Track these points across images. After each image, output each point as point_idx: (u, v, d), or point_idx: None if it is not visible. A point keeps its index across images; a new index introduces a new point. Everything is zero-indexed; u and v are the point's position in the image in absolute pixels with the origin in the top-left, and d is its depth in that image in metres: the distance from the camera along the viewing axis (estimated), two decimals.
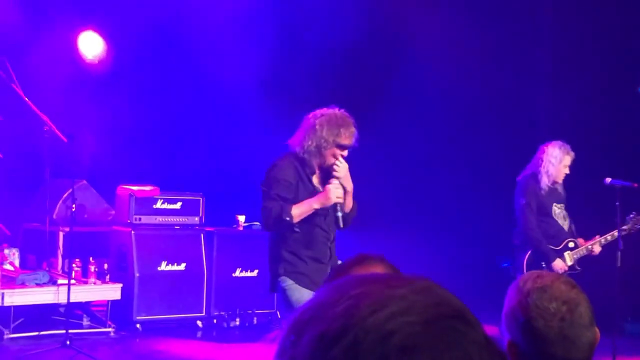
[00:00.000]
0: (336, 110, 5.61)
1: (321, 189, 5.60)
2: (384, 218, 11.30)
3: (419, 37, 11.10)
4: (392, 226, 11.25)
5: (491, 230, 10.18)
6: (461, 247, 11.26)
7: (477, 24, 11.04)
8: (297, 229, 5.55)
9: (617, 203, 7.50)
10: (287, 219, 5.43)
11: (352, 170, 5.64)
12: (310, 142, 5.52)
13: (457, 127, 11.46)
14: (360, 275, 1.07)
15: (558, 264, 7.65)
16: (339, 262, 5.73)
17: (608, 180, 7.67)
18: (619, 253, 7.51)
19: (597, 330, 2.40)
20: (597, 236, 7.82)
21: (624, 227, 7.72)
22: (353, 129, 5.56)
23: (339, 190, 5.53)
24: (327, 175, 5.62)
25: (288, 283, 5.55)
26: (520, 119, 11.20)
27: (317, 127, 5.52)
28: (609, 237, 7.75)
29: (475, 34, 11.03)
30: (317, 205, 5.50)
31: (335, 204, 5.56)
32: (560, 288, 2.37)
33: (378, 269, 2.44)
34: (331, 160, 5.54)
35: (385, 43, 11.53)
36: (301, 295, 5.46)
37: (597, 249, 7.74)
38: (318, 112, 5.62)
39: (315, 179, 5.63)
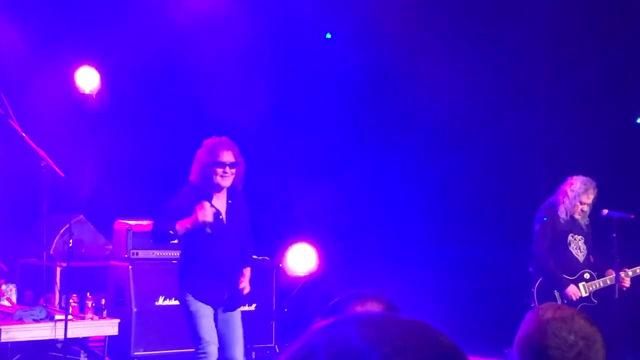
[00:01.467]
0: (213, 138, 6.72)
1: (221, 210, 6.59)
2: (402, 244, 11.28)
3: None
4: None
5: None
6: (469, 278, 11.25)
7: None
8: (193, 248, 6.59)
9: (614, 234, 7.49)
10: (171, 232, 6.45)
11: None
12: (197, 170, 6.60)
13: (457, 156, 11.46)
14: (353, 314, 1.06)
15: (572, 290, 7.61)
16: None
17: (605, 211, 7.67)
18: (617, 286, 7.49)
19: None
20: (610, 270, 7.78)
21: None
22: (228, 149, 6.58)
23: (208, 210, 6.36)
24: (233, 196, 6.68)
25: (187, 298, 6.57)
26: (519, 152, 11.20)
27: (198, 155, 6.66)
28: (638, 270, 7.72)
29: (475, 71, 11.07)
30: (189, 225, 6.37)
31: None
32: (580, 322, 2.36)
33: (374, 306, 2.43)
34: (217, 179, 6.54)
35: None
36: (196, 307, 6.51)
37: (627, 282, 7.69)
38: None
39: (216, 201, 6.58)
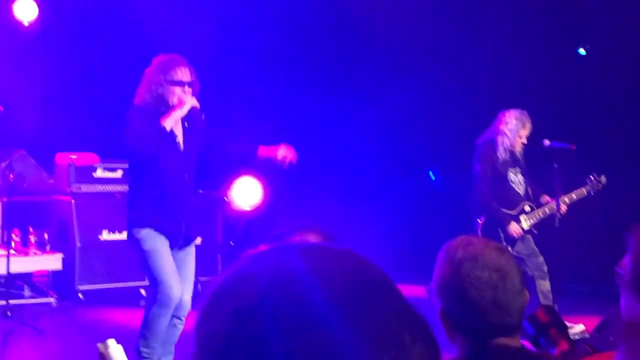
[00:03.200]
0: (165, 55, 5.92)
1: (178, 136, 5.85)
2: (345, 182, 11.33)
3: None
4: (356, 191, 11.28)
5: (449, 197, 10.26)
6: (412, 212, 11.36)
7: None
8: (149, 178, 5.75)
9: (555, 165, 7.58)
10: (156, 130, 5.63)
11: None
12: (148, 92, 5.78)
13: (406, 98, 11.47)
14: (279, 245, 1.06)
15: (513, 228, 7.73)
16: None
17: (547, 142, 7.74)
18: (558, 215, 7.61)
19: (527, 292, 2.43)
20: (545, 196, 7.92)
21: (583, 190, 7.87)
22: (184, 67, 5.82)
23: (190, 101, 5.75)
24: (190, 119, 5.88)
25: (140, 234, 5.73)
26: (465, 83, 11.24)
27: (148, 75, 5.84)
28: (574, 195, 7.85)
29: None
30: (177, 114, 5.70)
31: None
32: (491, 255, 2.37)
33: (312, 237, 2.45)
34: (174, 99, 5.76)
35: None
36: (154, 243, 5.70)
37: (564, 209, 7.81)
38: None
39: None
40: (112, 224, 9.32)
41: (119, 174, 9.57)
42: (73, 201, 9.16)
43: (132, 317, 8.56)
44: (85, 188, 9.34)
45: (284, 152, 6.11)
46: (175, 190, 5.83)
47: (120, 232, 9.35)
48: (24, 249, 8.85)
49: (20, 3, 9.69)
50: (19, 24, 9.66)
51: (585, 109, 10.64)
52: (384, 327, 0.96)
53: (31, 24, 9.65)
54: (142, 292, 9.47)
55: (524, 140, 7.77)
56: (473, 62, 11.22)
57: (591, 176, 7.95)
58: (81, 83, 10.35)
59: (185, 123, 5.90)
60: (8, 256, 7.96)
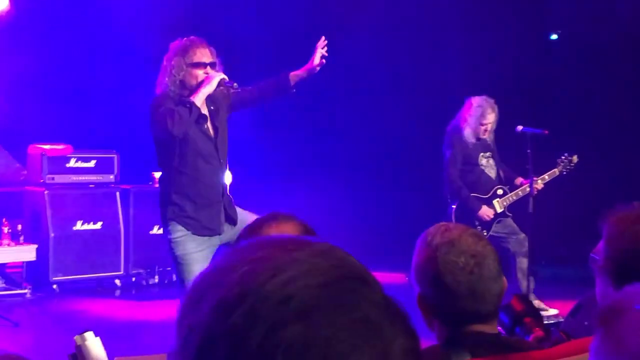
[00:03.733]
0: (182, 39, 5.63)
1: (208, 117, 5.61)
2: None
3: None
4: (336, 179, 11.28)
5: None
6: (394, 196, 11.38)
7: None
8: (183, 169, 5.51)
9: (528, 150, 7.63)
10: (188, 105, 5.39)
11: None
12: (169, 78, 5.51)
13: (380, 86, 11.48)
14: (259, 238, 1.07)
15: (484, 211, 7.80)
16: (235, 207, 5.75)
17: (520, 128, 7.78)
18: (531, 199, 7.66)
19: (504, 280, 2.44)
20: (519, 178, 7.98)
21: (555, 170, 7.94)
22: (204, 48, 5.57)
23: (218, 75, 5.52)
24: (213, 102, 5.64)
25: (175, 235, 5.48)
26: (434, 72, 11.26)
27: (166, 62, 5.56)
28: (546, 176, 7.91)
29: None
30: (206, 90, 5.45)
31: (227, 88, 5.57)
32: (467, 241, 2.39)
33: (289, 227, 2.45)
34: (196, 81, 5.52)
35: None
36: (185, 250, 5.43)
37: (538, 186, 7.86)
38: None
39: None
40: (86, 214, 9.28)
41: (92, 163, 9.54)
42: (46, 192, 9.11)
43: (107, 308, 8.55)
44: (59, 179, 9.30)
45: (319, 52, 5.84)
46: (210, 177, 5.60)
47: (95, 222, 9.33)
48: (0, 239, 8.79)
49: None
50: None
51: (559, 94, 10.70)
52: (365, 322, 0.97)
53: (1, 13, 9.56)
54: (117, 282, 9.45)
55: (489, 127, 7.82)
56: (445, 48, 11.25)
57: (562, 156, 8.03)
58: (53, 73, 10.27)
59: (211, 107, 5.65)
60: None
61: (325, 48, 5.85)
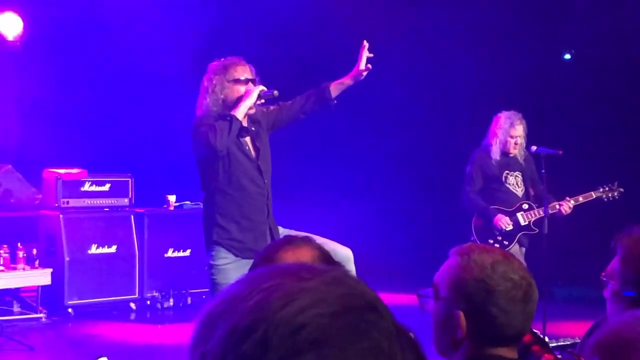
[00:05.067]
0: (220, 59, 5.63)
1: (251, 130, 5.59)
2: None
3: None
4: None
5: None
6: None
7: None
8: (227, 190, 5.48)
9: (542, 170, 7.60)
10: (228, 119, 5.35)
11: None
12: (210, 98, 5.49)
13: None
14: (271, 267, 1.06)
15: (499, 220, 7.72)
16: (277, 227, 5.67)
17: (534, 148, 7.77)
18: (546, 220, 7.62)
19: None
20: (554, 202, 7.92)
21: (592, 193, 7.90)
22: (244, 65, 5.58)
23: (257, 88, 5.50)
24: (254, 123, 5.62)
25: (218, 262, 5.44)
26: (448, 91, 11.27)
27: (207, 82, 5.53)
28: (580, 198, 7.87)
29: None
30: (246, 103, 5.42)
31: (267, 99, 5.55)
32: (515, 264, 2.38)
33: (304, 251, 2.45)
34: (238, 95, 5.50)
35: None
36: (225, 280, 5.33)
37: (566, 209, 7.81)
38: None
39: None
40: (101, 237, 9.31)
41: (107, 187, 9.56)
42: (61, 216, 9.14)
43: (122, 331, 8.55)
44: (74, 202, 9.33)
45: (364, 57, 5.76)
46: (255, 198, 5.55)
47: (109, 246, 9.35)
48: (12, 264, 8.81)
49: (4, 17, 9.68)
50: (3, 38, 9.65)
51: (573, 113, 10.68)
52: (377, 351, 0.97)
53: (16, 38, 9.63)
54: (132, 305, 9.45)
55: (518, 140, 7.79)
56: (460, 67, 11.25)
57: (607, 186, 7.99)
58: (68, 97, 10.33)
59: (252, 127, 5.61)
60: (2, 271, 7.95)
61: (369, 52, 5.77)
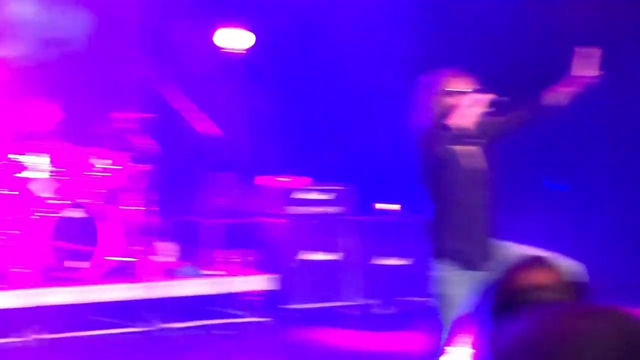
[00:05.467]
0: (438, 72, 5.61)
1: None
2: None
3: None
4: None
5: None
6: None
7: None
8: (454, 202, 5.44)
9: None
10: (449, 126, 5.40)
11: None
12: (431, 111, 5.49)
13: None
14: (556, 309, 1.09)
15: None
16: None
17: None
18: None
19: None
20: None
21: None
22: (465, 76, 5.53)
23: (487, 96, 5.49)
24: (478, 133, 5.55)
25: (441, 273, 5.40)
26: None
27: (424, 96, 5.53)
28: None
29: None
30: (473, 110, 5.47)
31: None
32: None
33: (544, 273, 2.41)
34: (461, 108, 5.47)
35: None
36: (449, 291, 5.32)
37: None
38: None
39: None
40: (323, 244, 9.53)
41: (329, 195, 9.79)
42: (284, 222, 9.43)
43: (343, 337, 8.62)
44: (298, 210, 9.61)
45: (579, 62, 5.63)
46: (480, 210, 5.52)
47: (331, 252, 9.55)
48: (235, 269, 9.16)
49: (229, 32, 10.07)
50: (230, 50, 10.03)
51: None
52: None
53: (242, 50, 10.01)
54: (353, 311, 9.56)
55: None
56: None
57: None
58: (295, 107, 10.60)
59: (479, 137, 5.58)
60: (221, 276, 8.29)
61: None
